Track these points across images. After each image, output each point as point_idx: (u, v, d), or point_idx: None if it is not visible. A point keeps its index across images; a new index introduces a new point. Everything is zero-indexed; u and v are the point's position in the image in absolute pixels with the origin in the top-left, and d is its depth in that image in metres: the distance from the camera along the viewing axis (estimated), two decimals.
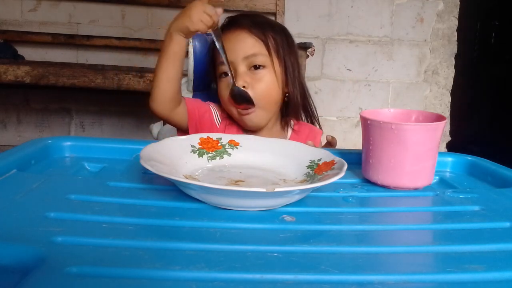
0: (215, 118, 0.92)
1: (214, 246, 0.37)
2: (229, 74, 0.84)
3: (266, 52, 0.87)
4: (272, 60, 0.88)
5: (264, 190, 0.42)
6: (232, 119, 0.92)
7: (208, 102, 0.94)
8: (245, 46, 0.87)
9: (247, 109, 0.86)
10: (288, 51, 0.91)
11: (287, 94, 0.92)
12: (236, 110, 0.87)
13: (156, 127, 1.11)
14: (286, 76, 0.91)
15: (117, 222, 0.41)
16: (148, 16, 2.15)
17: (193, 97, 1.05)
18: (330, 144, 0.89)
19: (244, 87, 0.85)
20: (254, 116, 0.87)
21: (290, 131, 0.97)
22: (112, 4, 2.12)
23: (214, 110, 0.92)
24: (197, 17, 0.76)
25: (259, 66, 0.86)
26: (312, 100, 0.98)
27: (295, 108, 0.94)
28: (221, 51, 0.80)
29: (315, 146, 0.80)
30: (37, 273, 0.31)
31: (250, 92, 0.85)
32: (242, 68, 0.86)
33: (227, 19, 0.93)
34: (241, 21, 0.89)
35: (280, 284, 0.32)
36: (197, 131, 0.86)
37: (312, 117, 0.99)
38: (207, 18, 0.76)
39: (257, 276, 0.32)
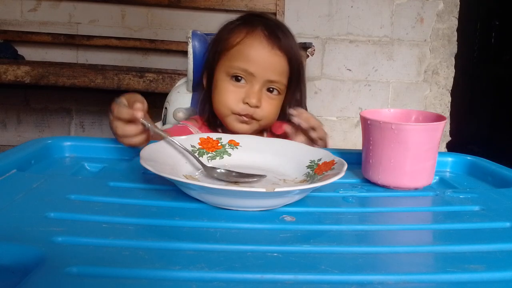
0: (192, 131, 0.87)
1: (214, 246, 0.37)
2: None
3: (286, 82, 0.85)
4: (287, 89, 0.86)
5: (264, 190, 0.42)
6: (212, 125, 0.88)
7: (184, 124, 0.88)
8: (275, 70, 0.82)
9: (250, 121, 0.83)
10: (303, 76, 0.89)
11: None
12: (236, 116, 0.82)
13: (181, 112, 0.98)
14: (296, 103, 0.88)
15: (117, 222, 0.41)
16: (148, 16, 2.15)
17: (192, 97, 1.05)
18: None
19: (257, 106, 0.81)
20: (249, 127, 0.84)
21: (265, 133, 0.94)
22: (112, 4, 2.12)
23: (194, 130, 0.88)
24: (119, 134, 0.62)
25: (273, 89, 0.83)
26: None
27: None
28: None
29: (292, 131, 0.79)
30: (37, 273, 0.31)
31: (260, 112, 0.82)
32: (259, 86, 0.82)
33: (256, 18, 0.86)
34: (281, 36, 0.83)
35: (280, 284, 0.32)
36: None
37: None
38: (129, 129, 0.61)
39: (257, 276, 0.32)
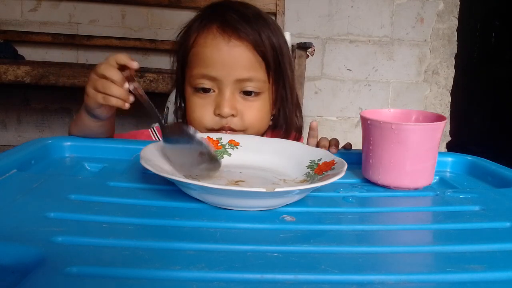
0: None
1: (214, 246, 0.37)
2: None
3: (265, 77, 0.71)
4: (269, 85, 0.72)
5: (264, 190, 0.42)
6: None
7: (146, 130, 0.81)
8: (242, 66, 0.69)
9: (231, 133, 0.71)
10: (289, 67, 0.75)
11: (272, 116, 0.78)
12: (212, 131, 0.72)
13: None
14: (281, 100, 0.76)
15: (117, 222, 0.41)
16: (148, 16, 2.15)
17: None
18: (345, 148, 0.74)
19: (232, 115, 0.70)
20: None
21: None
22: (112, 4, 2.12)
23: (153, 135, 0.79)
24: (92, 88, 0.59)
25: (252, 92, 0.71)
26: (300, 113, 0.82)
27: (280, 129, 0.78)
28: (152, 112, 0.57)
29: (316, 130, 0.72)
30: (38, 273, 0.31)
31: (238, 121, 0.71)
32: (230, 91, 0.69)
33: (211, 9, 0.73)
34: (240, 25, 0.68)
35: (280, 284, 0.32)
36: None
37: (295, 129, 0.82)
38: (113, 89, 0.57)
39: (257, 276, 0.32)
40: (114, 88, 0.58)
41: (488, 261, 0.36)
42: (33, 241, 0.35)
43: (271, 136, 0.80)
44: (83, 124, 0.66)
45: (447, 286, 0.33)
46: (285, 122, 0.79)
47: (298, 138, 0.84)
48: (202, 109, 0.71)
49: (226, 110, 0.69)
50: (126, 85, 0.58)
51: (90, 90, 0.60)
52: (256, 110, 0.72)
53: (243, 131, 0.72)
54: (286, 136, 0.78)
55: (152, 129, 0.83)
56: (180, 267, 0.33)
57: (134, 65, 0.58)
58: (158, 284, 0.31)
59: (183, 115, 0.79)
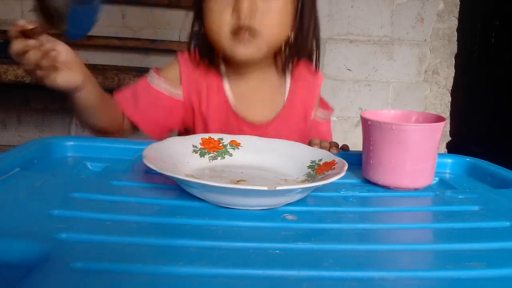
0: (168, 93, 0.78)
1: (216, 243, 0.37)
2: None
3: None
4: None
5: (266, 188, 0.42)
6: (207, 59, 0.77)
7: (144, 78, 0.79)
8: None
9: (249, 39, 0.70)
10: None
11: (291, 33, 0.76)
12: (231, 36, 0.70)
13: None
14: (302, 8, 0.74)
15: (121, 220, 0.41)
16: (148, 16, 2.15)
17: None
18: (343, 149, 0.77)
19: (251, 14, 0.68)
20: (249, 50, 0.70)
21: (289, 79, 0.83)
22: (112, 4, 2.12)
23: (163, 86, 0.78)
24: (31, 74, 0.57)
25: None
26: (317, 36, 0.80)
27: (302, 49, 0.78)
28: None
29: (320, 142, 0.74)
30: (42, 269, 0.31)
31: (257, 20, 0.68)
32: None
33: None
34: None
35: (282, 280, 0.32)
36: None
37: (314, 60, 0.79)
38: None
39: (259, 271, 0.33)
40: (30, 54, 0.55)
41: (487, 259, 0.37)
42: (38, 237, 0.36)
43: (286, 58, 0.79)
44: (78, 109, 0.68)
45: (447, 283, 0.34)
46: (301, 41, 0.78)
47: (308, 65, 0.83)
48: (220, 10, 0.69)
49: (245, 5, 0.67)
50: (29, 41, 0.56)
51: (33, 75, 0.58)
52: (276, 11, 0.70)
53: (262, 36, 0.70)
54: (303, 50, 0.79)
55: (148, 75, 0.82)
56: (182, 263, 0.33)
57: (20, 23, 0.55)
58: (161, 280, 0.31)
59: (200, 28, 0.77)
